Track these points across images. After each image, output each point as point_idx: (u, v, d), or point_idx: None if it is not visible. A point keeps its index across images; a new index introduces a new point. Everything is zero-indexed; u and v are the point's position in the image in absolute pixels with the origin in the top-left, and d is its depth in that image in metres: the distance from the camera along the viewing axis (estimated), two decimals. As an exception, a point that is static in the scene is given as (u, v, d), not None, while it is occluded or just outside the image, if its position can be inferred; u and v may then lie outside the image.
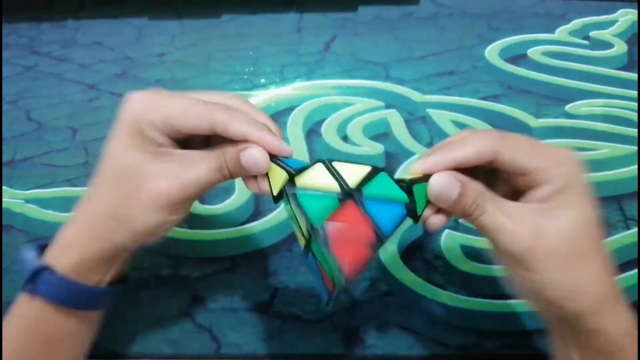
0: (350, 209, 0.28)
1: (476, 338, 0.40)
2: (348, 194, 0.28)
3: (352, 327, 0.40)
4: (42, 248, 0.31)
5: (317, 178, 0.28)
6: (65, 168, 0.46)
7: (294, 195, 0.28)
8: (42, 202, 0.44)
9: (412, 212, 0.29)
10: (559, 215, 0.27)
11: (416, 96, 0.49)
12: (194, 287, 0.41)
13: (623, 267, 0.42)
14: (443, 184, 0.27)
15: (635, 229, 0.43)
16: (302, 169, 0.29)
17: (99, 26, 0.54)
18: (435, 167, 0.28)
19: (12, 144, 0.48)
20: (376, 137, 0.47)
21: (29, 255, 0.30)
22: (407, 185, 0.28)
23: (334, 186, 0.28)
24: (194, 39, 0.53)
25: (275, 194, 0.29)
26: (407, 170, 0.29)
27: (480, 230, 0.28)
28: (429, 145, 0.47)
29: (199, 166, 0.29)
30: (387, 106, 0.49)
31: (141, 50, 0.52)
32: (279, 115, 0.48)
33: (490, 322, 0.40)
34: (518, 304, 0.40)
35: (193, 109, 0.28)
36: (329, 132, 0.47)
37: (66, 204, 0.44)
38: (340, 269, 0.27)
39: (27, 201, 0.45)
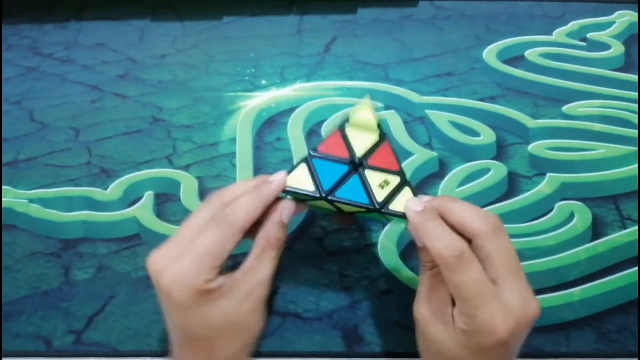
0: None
1: (474, 336, 0.40)
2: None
3: (352, 325, 0.40)
4: None
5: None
6: (68, 168, 0.47)
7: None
8: (45, 202, 0.45)
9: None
10: (442, 343, 0.30)
11: (415, 97, 0.50)
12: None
13: (620, 266, 0.42)
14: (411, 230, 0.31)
15: (632, 228, 0.43)
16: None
17: (101, 28, 0.55)
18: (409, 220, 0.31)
19: (15, 144, 0.48)
20: (375, 138, 0.48)
21: None
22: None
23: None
24: (196, 40, 0.54)
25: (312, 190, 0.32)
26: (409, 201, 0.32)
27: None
28: (427, 145, 0.47)
29: (262, 268, 0.31)
30: (386, 107, 0.49)
31: (143, 51, 0.53)
32: (280, 116, 0.49)
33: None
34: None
35: (219, 238, 0.29)
36: (329, 133, 0.48)
37: (69, 204, 0.45)
38: None
39: (30, 201, 0.45)
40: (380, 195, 0.32)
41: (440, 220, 0.30)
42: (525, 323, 0.29)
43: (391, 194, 0.32)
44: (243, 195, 0.31)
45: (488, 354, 0.29)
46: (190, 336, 0.30)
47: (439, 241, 0.29)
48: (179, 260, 0.29)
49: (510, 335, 0.28)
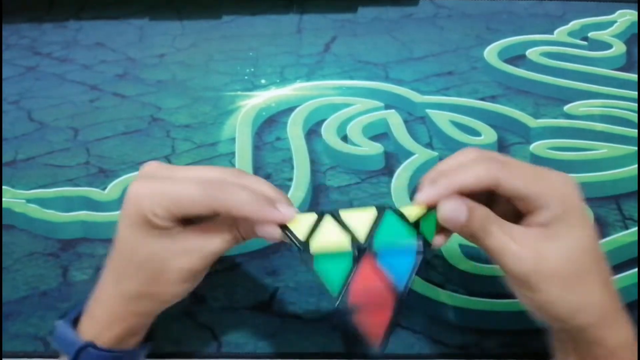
0: (365, 269, 0.29)
1: (475, 337, 0.40)
2: (361, 249, 0.29)
3: (352, 326, 0.40)
4: (74, 321, 0.33)
5: (328, 237, 0.29)
6: (67, 168, 0.46)
7: (310, 268, 0.29)
8: (44, 202, 0.45)
9: (424, 258, 0.29)
10: (559, 240, 0.28)
11: (415, 97, 0.50)
12: (194, 286, 0.41)
13: (621, 266, 0.42)
14: (451, 210, 0.28)
15: (634, 229, 0.43)
16: (313, 228, 0.29)
17: (101, 27, 0.55)
18: (439, 198, 0.28)
19: (14, 143, 0.48)
20: (376, 138, 0.48)
21: (68, 334, 0.32)
22: (413, 225, 0.29)
23: (346, 243, 0.29)
24: (195, 39, 0.53)
25: (302, 239, 0.29)
26: (414, 200, 0.29)
27: (486, 252, 0.29)
28: (428, 145, 0.47)
29: (214, 240, 0.30)
30: (387, 107, 0.49)
31: (142, 51, 0.53)
32: (279, 115, 0.49)
33: (489, 321, 0.40)
34: (517, 303, 0.40)
35: (192, 196, 0.28)
36: (328, 133, 0.47)
37: (68, 204, 0.44)
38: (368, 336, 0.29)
39: (29, 201, 0.45)
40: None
41: (450, 174, 0.28)
42: (574, 182, 0.29)
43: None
44: (250, 194, 0.29)
45: (573, 227, 0.28)
46: (119, 250, 0.31)
47: (469, 174, 0.28)
48: (153, 181, 0.30)
49: (576, 196, 0.29)
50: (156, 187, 0.29)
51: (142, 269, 0.30)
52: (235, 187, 0.29)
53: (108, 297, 0.32)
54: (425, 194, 0.29)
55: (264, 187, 0.30)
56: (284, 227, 0.29)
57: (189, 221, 0.31)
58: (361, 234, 0.29)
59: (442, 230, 0.30)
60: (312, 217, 0.29)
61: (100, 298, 0.32)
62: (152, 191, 0.29)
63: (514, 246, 0.28)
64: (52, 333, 0.33)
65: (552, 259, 0.28)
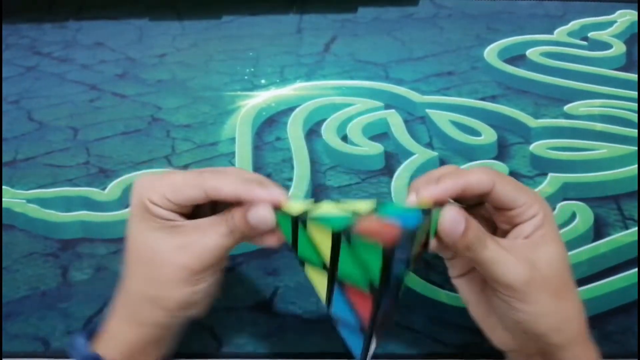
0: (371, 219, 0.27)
1: (475, 337, 0.40)
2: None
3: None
4: (91, 334, 0.32)
5: (327, 209, 0.29)
6: (67, 168, 0.46)
7: (311, 218, 0.28)
8: (44, 202, 0.45)
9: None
10: (545, 249, 0.29)
11: (415, 97, 0.49)
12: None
13: (621, 266, 0.42)
14: (451, 220, 0.28)
15: (634, 229, 0.43)
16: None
17: (100, 27, 0.55)
18: (446, 194, 0.29)
19: (14, 143, 0.48)
20: (376, 138, 0.48)
21: (80, 344, 0.31)
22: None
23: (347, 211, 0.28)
24: (195, 39, 0.53)
25: (291, 242, 0.29)
26: (417, 195, 0.29)
27: (480, 265, 0.29)
28: (428, 145, 0.47)
29: (210, 234, 0.30)
30: (387, 106, 0.49)
31: (142, 50, 0.53)
32: (279, 115, 0.49)
33: (489, 321, 0.40)
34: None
35: (186, 181, 0.30)
36: (328, 133, 0.47)
37: (67, 204, 0.44)
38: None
39: (29, 201, 0.45)
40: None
41: (452, 175, 0.29)
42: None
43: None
44: (240, 177, 0.30)
45: (553, 238, 0.29)
46: (127, 250, 0.31)
47: (473, 175, 0.29)
48: (151, 175, 0.31)
49: (549, 208, 0.30)
50: (154, 178, 0.30)
51: (141, 264, 0.30)
52: (226, 172, 0.30)
53: (118, 306, 0.32)
54: (431, 191, 0.28)
55: (255, 175, 0.31)
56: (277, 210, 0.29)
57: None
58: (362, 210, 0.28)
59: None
60: (307, 204, 0.29)
61: (113, 308, 0.32)
62: (150, 182, 0.30)
63: (509, 257, 0.28)
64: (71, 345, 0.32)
65: (543, 268, 0.28)
